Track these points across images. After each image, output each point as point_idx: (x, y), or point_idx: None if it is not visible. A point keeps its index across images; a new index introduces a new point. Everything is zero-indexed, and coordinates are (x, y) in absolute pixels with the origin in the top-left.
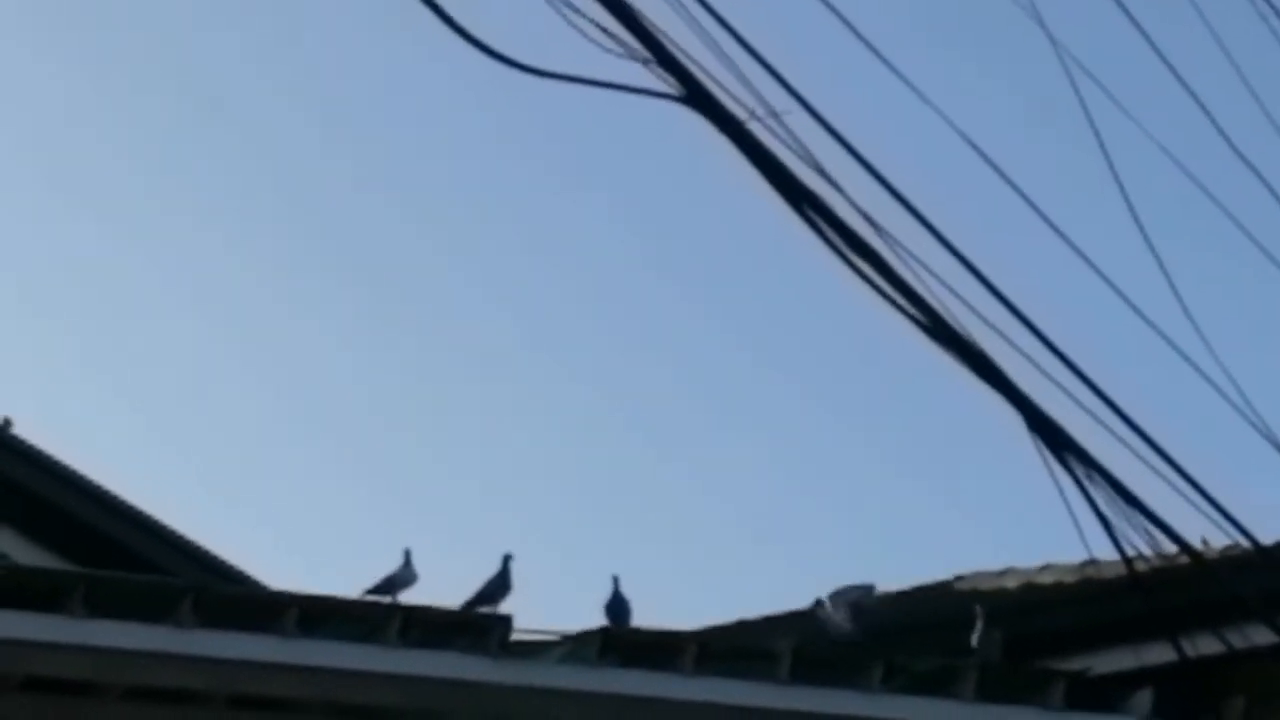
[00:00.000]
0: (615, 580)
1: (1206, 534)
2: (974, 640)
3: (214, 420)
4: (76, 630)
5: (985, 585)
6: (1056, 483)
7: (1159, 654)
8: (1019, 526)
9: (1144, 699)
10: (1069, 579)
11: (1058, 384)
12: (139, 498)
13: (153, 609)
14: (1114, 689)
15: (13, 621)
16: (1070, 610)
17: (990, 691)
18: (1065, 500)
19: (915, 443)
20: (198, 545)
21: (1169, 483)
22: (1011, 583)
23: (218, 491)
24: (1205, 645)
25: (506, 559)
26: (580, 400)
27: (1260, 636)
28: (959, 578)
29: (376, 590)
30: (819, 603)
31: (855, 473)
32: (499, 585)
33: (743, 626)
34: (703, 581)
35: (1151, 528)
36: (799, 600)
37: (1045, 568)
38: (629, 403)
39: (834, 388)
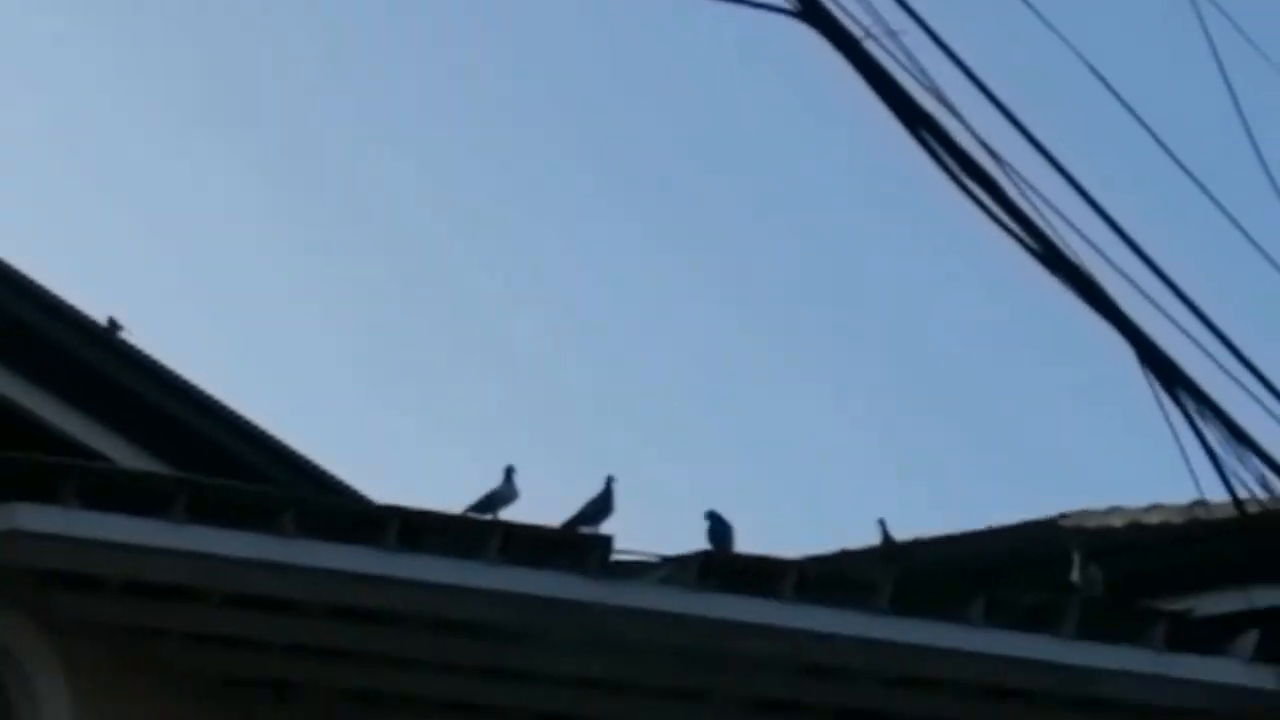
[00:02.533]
0: (713, 514)
1: None
2: (1074, 576)
3: (322, 332)
4: (178, 535)
5: (1090, 523)
6: (1168, 419)
7: (1266, 597)
8: (1129, 465)
9: (1248, 641)
10: (1176, 519)
11: (1171, 319)
12: (244, 406)
13: (255, 517)
14: (1217, 630)
15: (115, 524)
16: (1176, 550)
17: (1092, 628)
18: (1176, 437)
19: (1025, 375)
20: (302, 456)
21: None
22: (1117, 521)
23: (323, 403)
24: None
25: (609, 480)
26: (704, 320)
27: None
28: (1064, 515)
29: (477, 507)
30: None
31: (968, 408)
32: (601, 506)
33: (846, 556)
34: (809, 511)
35: (1263, 467)
36: (905, 532)
37: (1152, 507)
38: (756, 328)
39: (948, 310)
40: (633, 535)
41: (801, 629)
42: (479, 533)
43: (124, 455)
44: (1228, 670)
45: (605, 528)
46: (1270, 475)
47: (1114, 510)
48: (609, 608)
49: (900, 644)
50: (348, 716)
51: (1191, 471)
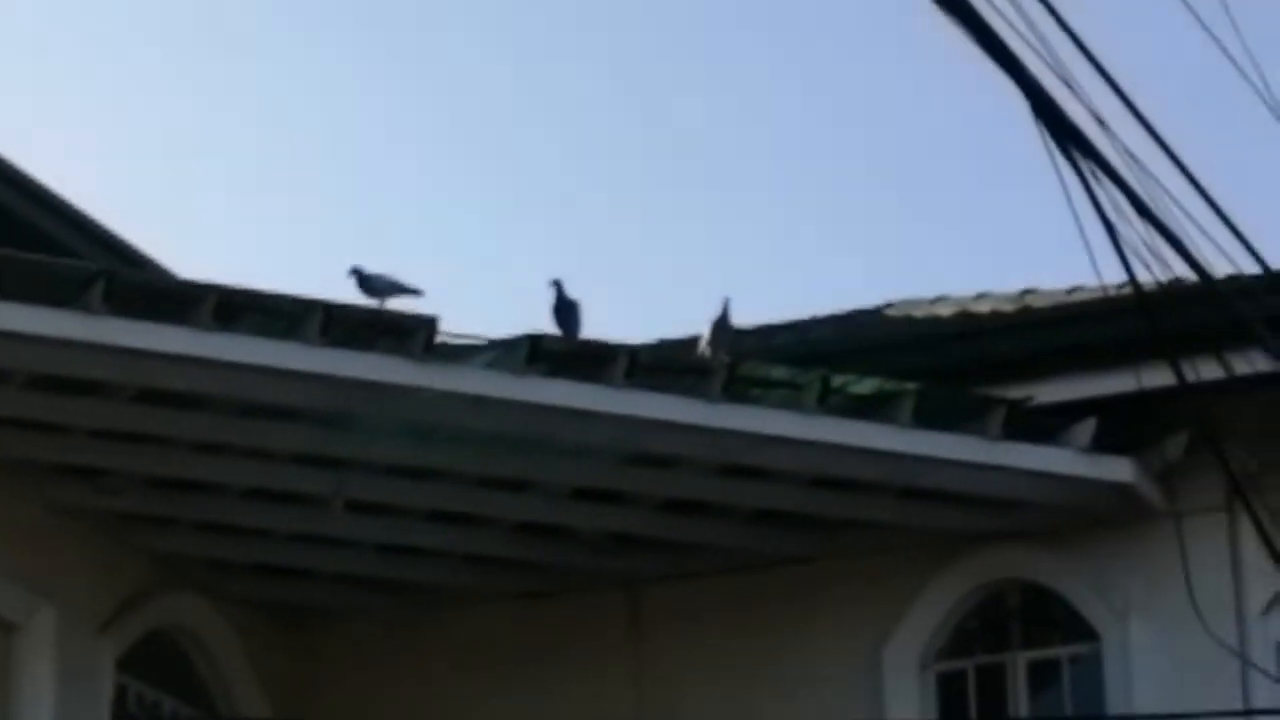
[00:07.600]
0: (558, 284)
1: (1215, 258)
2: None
3: (122, 88)
4: None
5: (918, 312)
6: (1060, 176)
7: (1105, 385)
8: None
9: (1085, 429)
10: (1006, 307)
11: (1069, 76)
12: (47, 176)
13: (61, 293)
14: (1054, 418)
15: None
16: (1008, 338)
17: (926, 417)
18: (1068, 198)
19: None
20: (110, 229)
21: (1179, 201)
22: (945, 310)
23: (130, 174)
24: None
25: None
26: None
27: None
28: (890, 305)
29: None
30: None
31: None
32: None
33: (678, 343)
34: (638, 299)
35: (1155, 237)
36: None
37: (980, 296)
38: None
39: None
40: (459, 319)
41: (632, 415)
42: (298, 312)
43: None
44: (1063, 460)
45: (430, 309)
46: (1163, 247)
47: (941, 299)
48: (432, 392)
49: (735, 431)
50: (158, 505)
51: (1082, 232)
